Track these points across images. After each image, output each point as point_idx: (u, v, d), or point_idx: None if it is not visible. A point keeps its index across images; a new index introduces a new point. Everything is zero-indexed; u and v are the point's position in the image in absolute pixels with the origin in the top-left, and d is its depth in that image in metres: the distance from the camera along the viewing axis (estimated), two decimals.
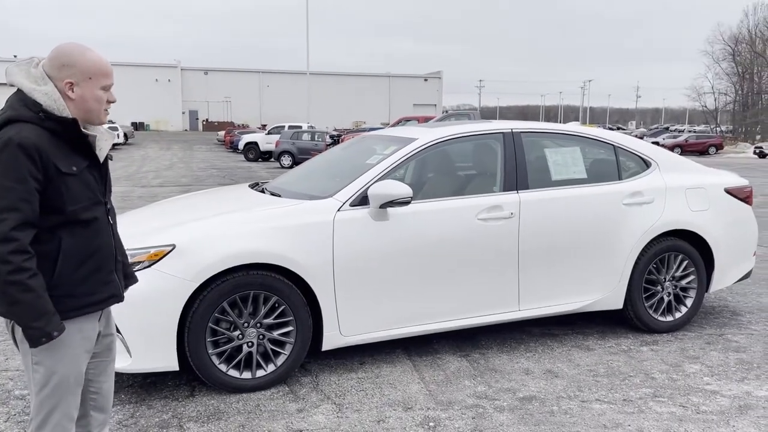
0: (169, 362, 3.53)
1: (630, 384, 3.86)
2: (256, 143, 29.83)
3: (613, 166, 4.73)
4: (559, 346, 4.50)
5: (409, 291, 4.00)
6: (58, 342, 2.04)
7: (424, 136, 4.31)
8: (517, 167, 4.38)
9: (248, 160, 29.30)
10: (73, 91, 2.04)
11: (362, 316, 3.92)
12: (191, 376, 3.91)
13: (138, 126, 68.15)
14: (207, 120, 76.28)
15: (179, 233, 3.63)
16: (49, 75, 2.03)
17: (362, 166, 4.22)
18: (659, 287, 4.75)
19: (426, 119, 25.34)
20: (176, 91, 77.27)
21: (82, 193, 2.06)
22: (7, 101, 2.05)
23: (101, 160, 2.15)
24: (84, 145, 2.08)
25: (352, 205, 3.92)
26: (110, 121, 48.59)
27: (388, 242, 3.92)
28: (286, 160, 25.17)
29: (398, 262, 3.95)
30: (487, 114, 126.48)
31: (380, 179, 4.00)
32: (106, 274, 2.15)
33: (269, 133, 31.55)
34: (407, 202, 3.86)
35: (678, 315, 4.80)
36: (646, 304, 4.70)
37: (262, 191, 4.49)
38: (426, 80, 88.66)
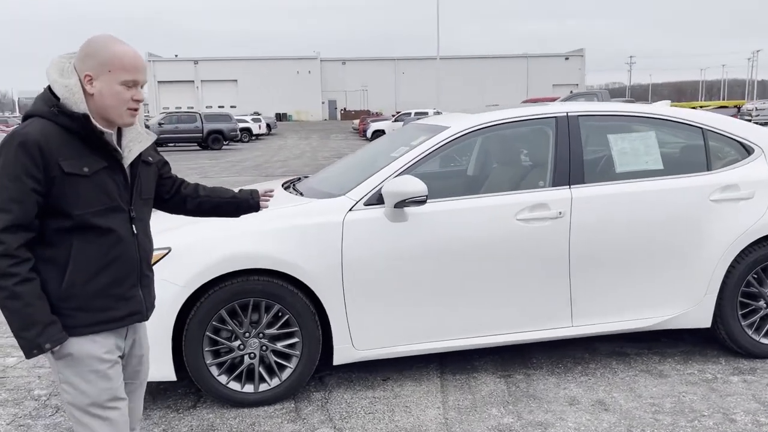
0: (166, 372, 3.34)
1: (698, 427, 3.10)
2: (383, 131, 30.09)
3: (701, 153, 3.87)
4: (625, 370, 3.78)
5: (432, 302, 3.52)
6: (76, 360, 1.89)
7: (457, 124, 3.77)
8: (571, 157, 3.71)
9: None
10: (92, 85, 1.85)
11: (378, 329, 3.50)
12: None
13: (281, 117, 71.72)
14: (345, 109, 78.51)
15: (176, 236, 3.43)
16: (76, 68, 1.87)
17: (386, 159, 3.77)
18: (762, 302, 3.84)
19: (551, 100, 23.93)
20: (316, 81, 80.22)
21: (94, 196, 1.86)
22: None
23: (127, 162, 1.94)
24: (103, 144, 1.87)
25: (367, 204, 3.50)
26: (255, 113, 51.54)
27: (407, 246, 3.46)
28: None
29: (419, 268, 3.47)
30: (638, 93, 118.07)
31: (401, 174, 3.54)
32: (126, 289, 1.95)
33: (396, 120, 31.67)
34: (422, 201, 3.36)
35: None
36: (743, 323, 3.82)
37: (287, 188, 4.19)
38: (567, 59, 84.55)
